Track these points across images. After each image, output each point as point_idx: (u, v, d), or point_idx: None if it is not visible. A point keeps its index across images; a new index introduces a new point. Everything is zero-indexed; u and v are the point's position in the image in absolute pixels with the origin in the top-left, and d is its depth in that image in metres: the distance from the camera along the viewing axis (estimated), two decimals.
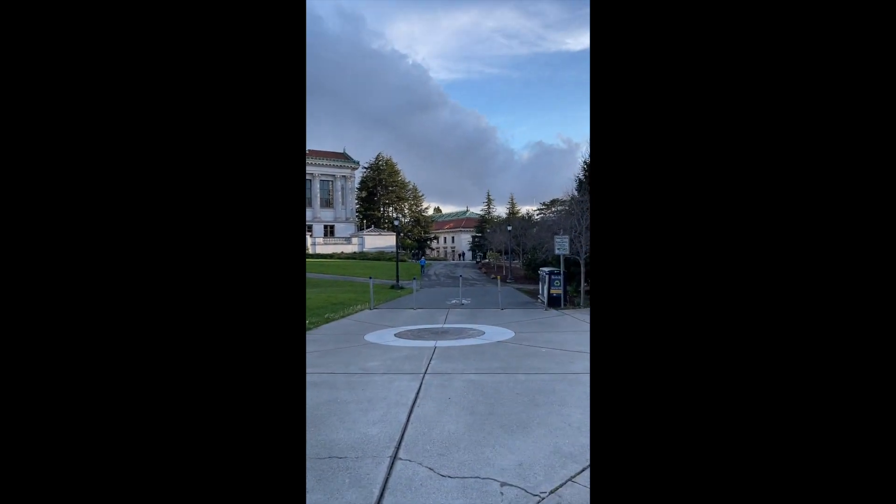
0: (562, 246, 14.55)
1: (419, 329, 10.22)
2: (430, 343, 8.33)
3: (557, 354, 7.18)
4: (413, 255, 53.86)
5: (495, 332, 9.51)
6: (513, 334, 9.24)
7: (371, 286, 15.20)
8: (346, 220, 60.67)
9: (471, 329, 10.04)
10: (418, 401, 4.84)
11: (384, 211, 65.72)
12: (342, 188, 60.77)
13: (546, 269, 15.75)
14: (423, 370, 6.21)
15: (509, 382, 5.51)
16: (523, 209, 57.00)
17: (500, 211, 64.54)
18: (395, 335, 9.36)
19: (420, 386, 5.41)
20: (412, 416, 4.39)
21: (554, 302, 14.36)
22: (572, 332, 9.36)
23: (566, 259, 14.88)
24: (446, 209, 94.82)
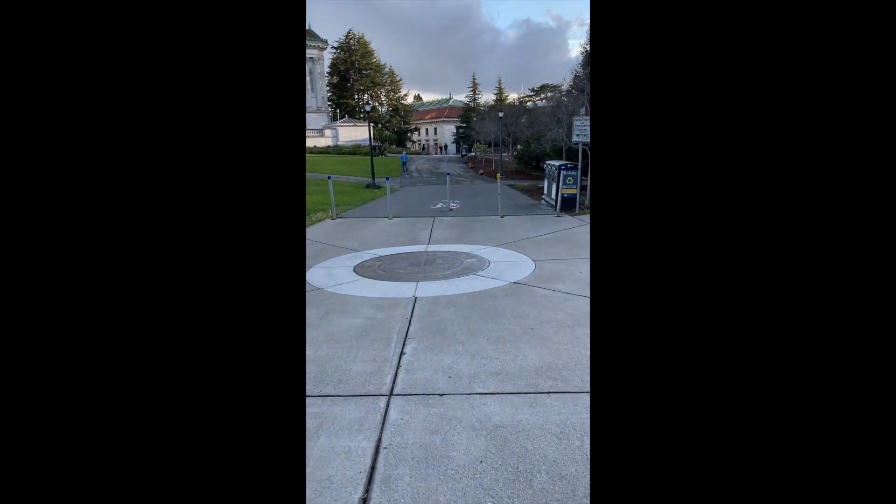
0: (582, 130, 11.04)
1: (392, 255, 7.01)
2: (408, 289, 5.16)
3: None
4: (377, 147, 47.26)
5: (504, 262, 6.36)
6: (532, 265, 6.10)
7: (331, 188, 11.64)
8: (318, 110, 54.56)
9: (467, 255, 6.85)
10: None
11: (359, 99, 59.02)
12: (311, 72, 53.84)
13: (556, 163, 12.41)
14: (390, 382, 3.07)
15: (585, 439, 2.42)
16: (512, 96, 51.64)
17: (487, 98, 58.84)
18: (355, 270, 6.17)
19: (374, 462, 2.29)
20: None
21: (567, 205, 11.25)
22: None
23: (567, 150, 11.47)
24: (427, 97, 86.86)
